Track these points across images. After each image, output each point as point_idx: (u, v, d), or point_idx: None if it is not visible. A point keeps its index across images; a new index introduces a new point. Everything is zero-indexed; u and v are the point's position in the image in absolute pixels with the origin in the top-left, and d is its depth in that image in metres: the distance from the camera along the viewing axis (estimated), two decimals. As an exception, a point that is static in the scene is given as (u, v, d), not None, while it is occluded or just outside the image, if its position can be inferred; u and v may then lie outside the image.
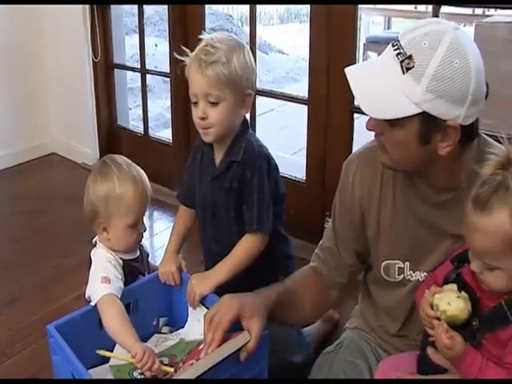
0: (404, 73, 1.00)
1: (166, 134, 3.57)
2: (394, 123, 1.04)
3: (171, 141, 3.24)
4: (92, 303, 1.36)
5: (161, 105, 5.20)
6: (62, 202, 3.09)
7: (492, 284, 0.98)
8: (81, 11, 3.29)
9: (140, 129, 3.53)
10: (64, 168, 3.66)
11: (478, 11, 5.57)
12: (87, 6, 3.24)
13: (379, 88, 1.03)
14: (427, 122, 1.01)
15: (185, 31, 2.91)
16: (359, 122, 2.53)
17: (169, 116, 4.93)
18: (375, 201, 1.25)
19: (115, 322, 1.30)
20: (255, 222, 1.47)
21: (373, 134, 1.13)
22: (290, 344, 1.71)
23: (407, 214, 1.21)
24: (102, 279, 1.35)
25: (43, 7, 3.43)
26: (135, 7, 3.37)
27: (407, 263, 1.24)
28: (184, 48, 1.47)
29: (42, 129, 3.77)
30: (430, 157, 1.07)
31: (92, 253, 1.46)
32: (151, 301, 1.52)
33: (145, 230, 1.49)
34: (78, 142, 3.67)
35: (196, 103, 1.44)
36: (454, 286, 1.03)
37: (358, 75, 1.10)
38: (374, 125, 1.10)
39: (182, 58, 1.46)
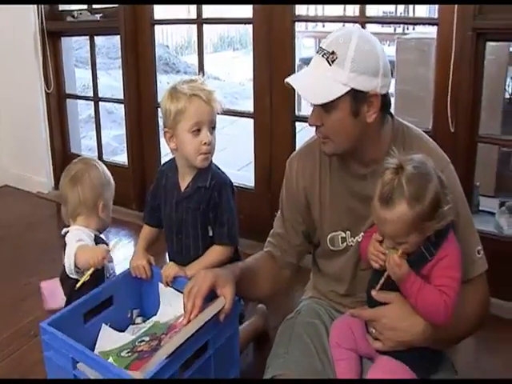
0: (331, 65, 1.28)
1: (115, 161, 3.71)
2: (329, 109, 1.30)
3: (126, 164, 3.39)
4: (71, 263, 1.59)
5: (106, 134, 5.34)
6: (23, 229, 3.19)
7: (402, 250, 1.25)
8: (33, 44, 3.39)
9: (93, 155, 3.65)
10: (19, 198, 3.72)
11: (399, 30, 6.21)
12: (39, 39, 3.36)
13: (314, 81, 1.31)
14: (355, 97, 1.29)
15: (136, 62, 3.12)
16: (302, 134, 2.81)
17: (115, 145, 5.12)
18: (316, 186, 1.51)
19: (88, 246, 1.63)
20: (226, 237, 1.69)
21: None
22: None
23: (343, 191, 1.47)
24: (77, 241, 1.62)
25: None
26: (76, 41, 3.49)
27: (348, 232, 1.48)
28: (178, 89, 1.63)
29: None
30: (362, 127, 1.33)
31: (66, 238, 1.68)
32: (124, 295, 1.68)
33: None
34: (32, 172, 3.75)
35: (196, 131, 1.61)
36: None
37: (297, 78, 1.39)
38: (314, 119, 1.36)
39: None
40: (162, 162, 3.18)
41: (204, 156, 1.64)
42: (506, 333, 2.12)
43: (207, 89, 1.64)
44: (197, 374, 1.37)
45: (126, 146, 3.40)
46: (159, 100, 3.09)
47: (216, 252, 1.70)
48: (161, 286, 1.64)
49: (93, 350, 1.51)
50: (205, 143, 1.61)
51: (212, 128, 1.64)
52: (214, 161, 1.72)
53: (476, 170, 2.37)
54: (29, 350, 2.07)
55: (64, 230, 1.74)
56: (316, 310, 1.58)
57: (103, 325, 1.59)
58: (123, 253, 2.75)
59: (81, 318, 1.53)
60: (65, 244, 1.68)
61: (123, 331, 1.65)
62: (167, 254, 1.88)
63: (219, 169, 1.74)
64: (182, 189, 1.71)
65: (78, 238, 1.64)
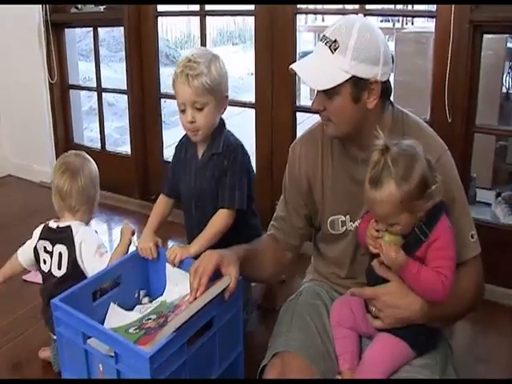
0: (333, 52, 1.33)
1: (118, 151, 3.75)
2: (331, 94, 1.35)
3: (129, 154, 3.44)
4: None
5: (108, 126, 5.37)
6: (26, 218, 3.18)
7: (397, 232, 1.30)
8: (37, 35, 3.43)
9: (96, 146, 3.72)
10: (22, 188, 3.76)
11: (398, 25, 6.33)
12: (43, 31, 3.40)
13: (317, 68, 1.36)
14: (356, 84, 1.34)
15: (140, 53, 3.16)
16: (302, 126, 2.86)
17: (117, 136, 5.15)
18: (318, 171, 1.55)
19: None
20: (226, 201, 1.78)
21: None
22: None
23: (344, 176, 1.51)
24: (95, 257, 1.72)
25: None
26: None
27: (348, 216, 1.53)
28: None
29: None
30: (363, 113, 1.38)
31: (75, 233, 1.74)
32: (132, 275, 1.74)
33: None
34: (35, 162, 3.79)
35: (183, 110, 1.72)
36: None
37: (301, 65, 1.43)
38: (317, 104, 1.41)
39: None
40: (165, 152, 3.27)
41: (190, 133, 1.75)
42: (501, 317, 2.16)
43: (193, 71, 1.69)
44: (202, 349, 1.42)
45: (128, 136, 3.44)
46: (162, 91, 3.17)
47: (218, 218, 1.77)
48: (168, 266, 1.69)
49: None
50: (188, 122, 1.71)
51: (197, 108, 1.71)
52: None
53: (473, 163, 2.42)
54: (34, 332, 2.11)
55: (54, 223, 1.80)
56: (317, 292, 1.63)
57: (111, 303, 1.64)
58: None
59: (89, 297, 1.58)
60: (63, 238, 1.74)
61: (131, 310, 1.70)
62: (186, 231, 1.99)
63: (232, 134, 1.83)
64: (200, 157, 1.81)
65: (95, 250, 1.73)
